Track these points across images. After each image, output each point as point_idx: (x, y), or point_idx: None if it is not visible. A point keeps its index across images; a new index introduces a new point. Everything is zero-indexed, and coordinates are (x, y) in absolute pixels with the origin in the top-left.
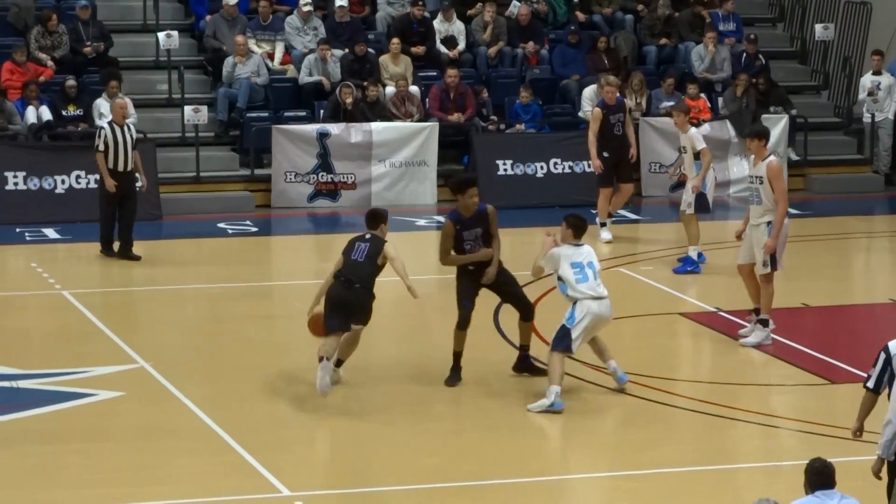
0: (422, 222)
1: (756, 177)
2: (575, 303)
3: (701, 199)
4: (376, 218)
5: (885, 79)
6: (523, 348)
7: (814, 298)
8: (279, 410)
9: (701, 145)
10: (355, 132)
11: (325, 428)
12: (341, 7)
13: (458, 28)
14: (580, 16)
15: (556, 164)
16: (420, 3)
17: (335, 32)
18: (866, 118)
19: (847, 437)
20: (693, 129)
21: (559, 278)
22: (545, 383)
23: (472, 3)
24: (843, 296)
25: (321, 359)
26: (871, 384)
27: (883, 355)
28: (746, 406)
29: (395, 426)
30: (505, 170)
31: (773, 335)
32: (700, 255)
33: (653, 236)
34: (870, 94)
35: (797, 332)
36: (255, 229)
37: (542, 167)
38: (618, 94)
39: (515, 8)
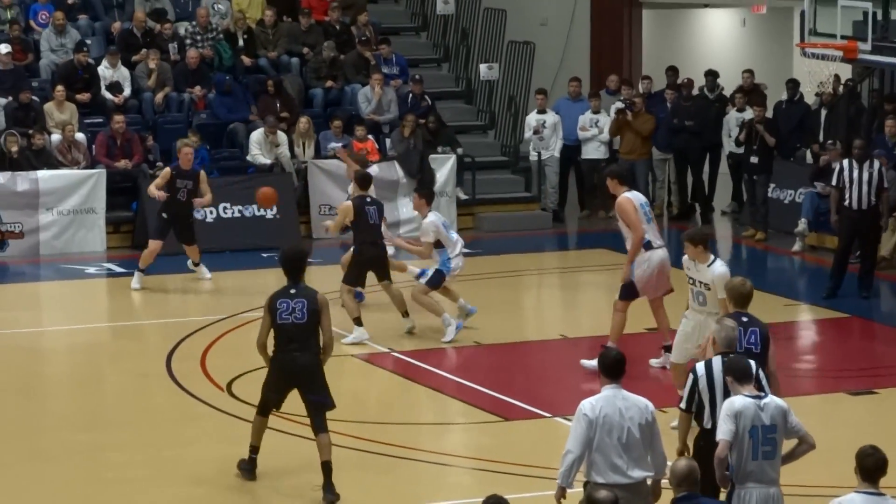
0: (91, 270)
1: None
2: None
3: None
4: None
5: (550, 117)
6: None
7: (486, 336)
8: None
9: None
10: (21, 180)
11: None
12: (5, 54)
13: (123, 74)
14: (246, 60)
15: (225, 208)
16: (84, 49)
17: None
18: (533, 156)
19: (522, 474)
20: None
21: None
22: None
23: (136, 49)
24: (515, 333)
25: None
26: (683, 405)
27: (691, 376)
28: (422, 445)
29: (70, 477)
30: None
31: (447, 373)
32: (470, 308)
33: (323, 278)
34: (535, 132)
35: (470, 370)
36: None
37: (210, 212)
38: (196, 163)
39: (175, 49)
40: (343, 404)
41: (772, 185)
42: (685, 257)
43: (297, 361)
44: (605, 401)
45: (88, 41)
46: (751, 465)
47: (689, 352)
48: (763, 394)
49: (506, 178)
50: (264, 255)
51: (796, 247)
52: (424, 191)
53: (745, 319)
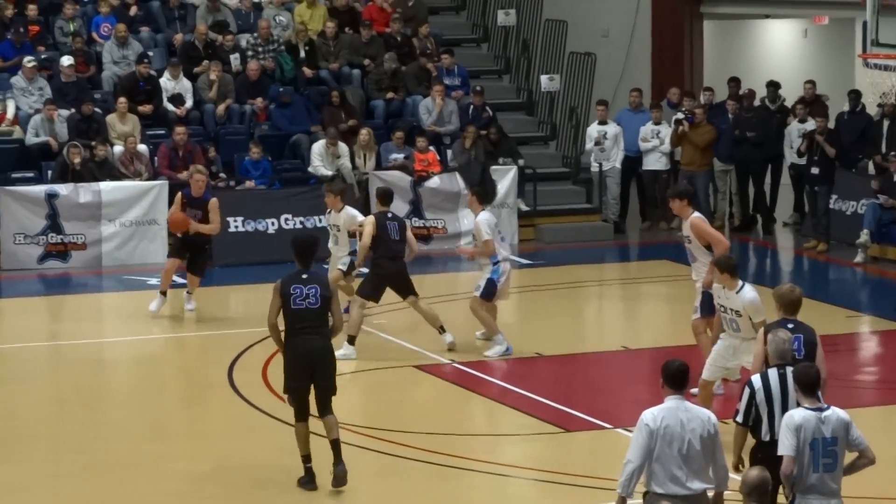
0: (153, 281)
1: (685, 236)
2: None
3: (490, 285)
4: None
5: (611, 128)
6: None
7: (547, 347)
8: (11, 473)
9: (486, 237)
10: (84, 192)
11: (58, 491)
12: (67, 67)
13: (184, 86)
14: (307, 71)
15: (287, 219)
16: (146, 60)
17: (61, 92)
18: (594, 167)
19: (582, 485)
20: (483, 215)
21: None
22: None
23: (198, 61)
24: (576, 344)
25: None
26: (739, 418)
27: (748, 389)
28: (482, 456)
29: (130, 489)
30: (236, 227)
31: (508, 384)
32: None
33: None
34: (596, 143)
35: (531, 381)
36: None
37: (273, 223)
38: (206, 192)
39: (236, 60)
40: (404, 415)
41: (834, 197)
42: (715, 285)
43: (313, 344)
44: (667, 412)
45: (150, 53)
46: (812, 477)
47: (720, 371)
48: (825, 406)
49: (567, 190)
50: (325, 265)
51: (858, 258)
52: (477, 188)
53: (790, 326)
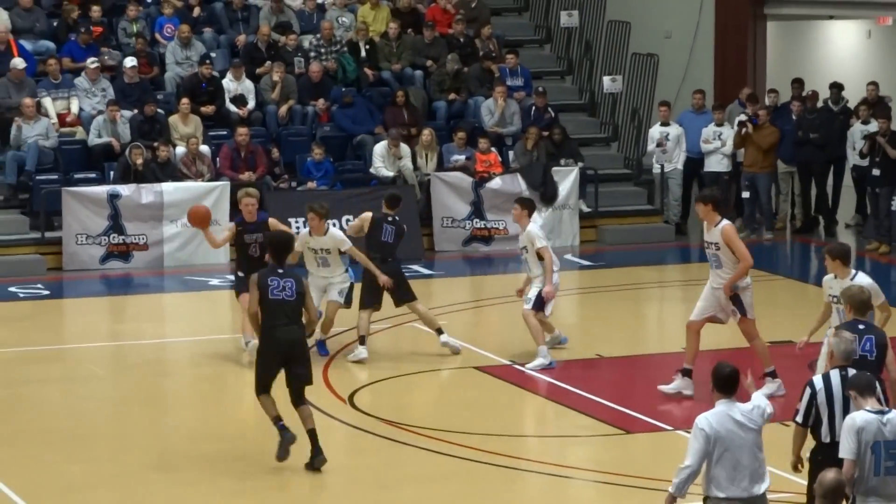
0: (215, 282)
1: (712, 243)
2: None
3: (539, 297)
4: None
5: (674, 129)
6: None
7: (608, 349)
8: (75, 473)
9: (541, 243)
10: (146, 193)
11: (121, 491)
12: (130, 68)
13: (247, 87)
14: (370, 73)
15: (348, 220)
16: (208, 62)
17: (124, 93)
18: (656, 169)
19: (643, 486)
20: (533, 226)
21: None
22: (327, 434)
23: (260, 62)
24: (637, 346)
25: None
26: (799, 419)
27: (808, 390)
28: (543, 458)
29: (192, 488)
30: (297, 227)
31: (569, 386)
32: (563, 338)
33: (445, 291)
34: (658, 144)
35: (592, 382)
36: (46, 292)
37: (334, 224)
38: (260, 213)
39: (300, 62)
40: (465, 416)
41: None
42: (828, 276)
43: (290, 334)
44: (720, 416)
45: (213, 54)
46: (873, 480)
47: None
48: (886, 409)
49: (629, 191)
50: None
51: None
52: (526, 200)
53: (861, 327)
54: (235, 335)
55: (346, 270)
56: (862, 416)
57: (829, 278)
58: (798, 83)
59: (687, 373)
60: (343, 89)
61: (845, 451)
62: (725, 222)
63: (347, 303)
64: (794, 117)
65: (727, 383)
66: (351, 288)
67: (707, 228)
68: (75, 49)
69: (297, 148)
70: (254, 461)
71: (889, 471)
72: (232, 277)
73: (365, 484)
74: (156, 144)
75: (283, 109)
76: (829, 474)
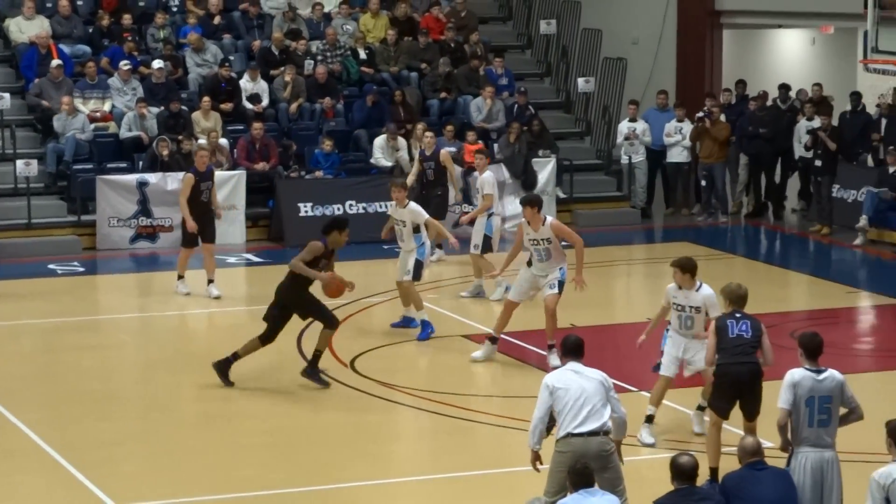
0: (232, 260)
1: (542, 239)
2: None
3: (486, 241)
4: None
5: (640, 125)
6: (317, 353)
7: (581, 319)
8: (106, 430)
9: (487, 190)
10: (171, 180)
11: (147, 445)
12: (158, 69)
13: (262, 87)
14: (366, 70)
15: (351, 205)
16: (227, 64)
17: (152, 92)
18: (624, 160)
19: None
20: (487, 174)
21: None
22: (330, 396)
23: (274, 64)
24: (607, 316)
25: None
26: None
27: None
28: (525, 416)
29: (210, 442)
30: (306, 211)
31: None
32: (507, 287)
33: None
34: (627, 138)
35: None
36: (82, 269)
37: (338, 208)
38: (209, 164)
39: (310, 65)
40: (453, 380)
41: (836, 186)
42: (670, 286)
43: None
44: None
45: (231, 57)
46: (806, 430)
47: (676, 366)
48: (823, 368)
49: (600, 179)
50: (385, 246)
51: (858, 241)
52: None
53: (738, 315)
54: (250, 307)
55: (422, 244)
56: (799, 372)
57: (672, 287)
58: (741, 84)
59: (494, 340)
60: (373, 88)
61: (781, 401)
62: (551, 219)
63: (416, 277)
64: (745, 114)
65: (575, 350)
66: (419, 265)
67: (535, 228)
68: (118, 53)
69: (305, 141)
70: (265, 418)
71: (822, 423)
72: (247, 256)
73: (364, 438)
74: (180, 137)
75: (294, 107)
76: (749, 439)
